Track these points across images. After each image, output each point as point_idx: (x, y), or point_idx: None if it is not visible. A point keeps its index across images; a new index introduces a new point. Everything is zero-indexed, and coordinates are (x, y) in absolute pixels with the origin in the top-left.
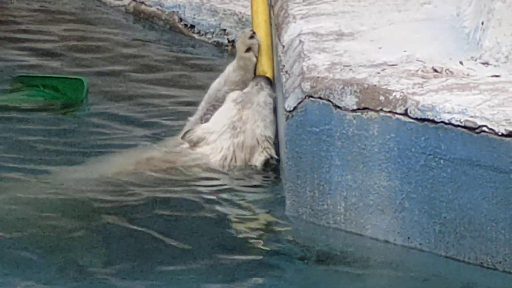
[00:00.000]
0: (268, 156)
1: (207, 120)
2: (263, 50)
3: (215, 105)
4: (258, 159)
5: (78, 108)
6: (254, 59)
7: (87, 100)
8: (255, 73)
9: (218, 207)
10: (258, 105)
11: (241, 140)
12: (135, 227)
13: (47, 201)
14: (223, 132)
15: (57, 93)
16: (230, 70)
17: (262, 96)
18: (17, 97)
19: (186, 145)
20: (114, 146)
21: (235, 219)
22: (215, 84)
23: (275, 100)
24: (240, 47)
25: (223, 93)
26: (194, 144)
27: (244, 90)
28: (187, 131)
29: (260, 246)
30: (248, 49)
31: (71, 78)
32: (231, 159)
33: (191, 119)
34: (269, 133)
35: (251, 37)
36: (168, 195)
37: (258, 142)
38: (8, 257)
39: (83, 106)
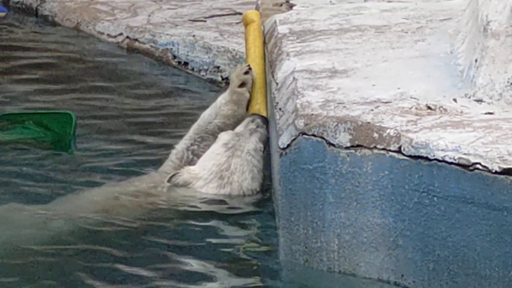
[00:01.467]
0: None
1: (194, 154)
2: (258, 87)
3: (203, 137)
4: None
5: (67, 142)
6: (247, 95)
7: (75, 135)
8: (247, 109)
9: (207, 246)
10: (248, 153)
11: (227, 191)
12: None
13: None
14: (210, 180)
15: (45, 129)
16: (222, 102)
17: (253, 141)
18: (4, 135)
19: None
20: (104, 180)
21: (226, 259)
22: (206, 116)
23: (268, 140)
24: (234, 80)
25: (214, 126)
26: (180, 187)
27: (237, 130)
28: (173, 175)
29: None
30: (242, 84)
31: (58, 113)
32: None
33: (177, 147)
34: (256, 185)
35: (246, 72)
36: (154, 234)
37: (244, 195)
38: None
39: (72, 140)
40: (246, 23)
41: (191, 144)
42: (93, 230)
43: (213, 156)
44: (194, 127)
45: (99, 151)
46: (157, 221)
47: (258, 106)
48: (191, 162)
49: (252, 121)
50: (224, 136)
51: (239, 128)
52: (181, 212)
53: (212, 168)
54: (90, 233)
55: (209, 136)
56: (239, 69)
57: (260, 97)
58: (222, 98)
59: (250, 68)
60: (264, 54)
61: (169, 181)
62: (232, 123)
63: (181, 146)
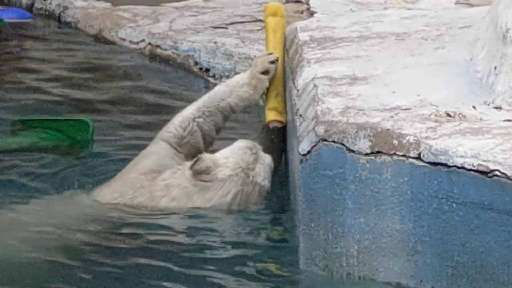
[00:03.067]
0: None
1: (198, 126)
2: (277, 79)
3: (212, 112)
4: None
5: (84, 150)
6: (267, 83)
7: (93, 142)
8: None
9: (224, 250)
10: (267, 165)
11: (249, 190)
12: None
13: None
14: (237, 174)
15: (62, 135)
16: (240, 83)
17: (269, 158)
18: (22, 140)
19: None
20: None
21: (245, 264)
22: (220, 92)
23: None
24: (258, 65)
25: (226, 104)
26: (199, 173)
27: (255, 143)
28: (197, 160)
29: None
30: (265, 72)
31: (76, 120)
32: (234, 208)
33: (183, 115)
34: (263, 200)
35: (272, 62)
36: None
37: (261, 201)
38: None
39: (89, 148)
40: (269, 15)
41: (199, 116)
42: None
43: (240, 153)
44: (204, 99)
45: (115, 159)
46: (167, 225)
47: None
48: (194, 134)
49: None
50: (246, 143)
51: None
52: (196, 214)
53: (239, 162)
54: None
55: (218, 113)
56: (266, 57)
57: (279, 88)
58: (240, 79)
59: (277, 59)
60: (284, 45)
61: (192, 166)
62: (243, 106)
63: (187, 114)
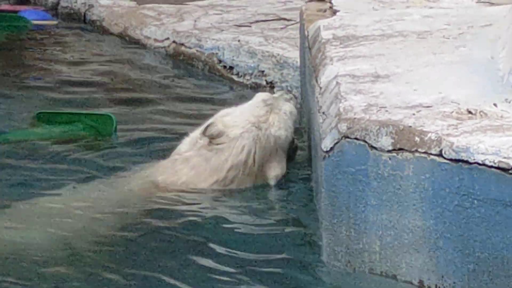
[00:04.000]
0: (283, 173)
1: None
2: None
3: None
4: (274, 171)
5: (107, 144)
6: None
7: (116, 137)
8: None
9: (245, 246)
10: (285, 114)
11: (263, 143)
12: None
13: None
14: (247, 130)
15: (86, 129)
16: None
17: (289, 105)
18: (44, 132)
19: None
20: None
21: (267, 257)
22: None
23: (299, 111)
24: None
25: None
26: (214, 138)
27: (273, 95)
28: (209, 125)
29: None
30: None
31: (99, 114)
32: (252, 163)
33: (191, 135)
34: (287, 145)
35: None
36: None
37: (276, 152)
38: None
39: (112, 142)
40: None
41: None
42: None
43: (251, 109)
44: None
45: (138, 156)
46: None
47: None
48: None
49: (287, 92)
50: (262, 94)
51: (275, 95)
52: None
53: (250, 118)
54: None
55: None
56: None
57: None
58: None
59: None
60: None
61: (204, 132)
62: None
63: (195, 134)
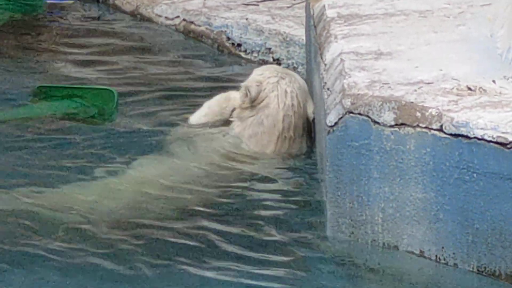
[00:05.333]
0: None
1: None
2: None
3: None
4: (311, 107)
5: (109, 118)
6: None
7: (117, 112)
8: None
9: (254, 211)
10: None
11: (298, 82)
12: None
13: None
14: (281, 76)
15: (87, 103)
16: None
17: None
18: (45, 107)
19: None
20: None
21: (274, 227)
22: None
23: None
24: None
25: None
26: (255, 99)
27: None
28: (246, 90)
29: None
30: None
31: (100, 89)
32: (298, 104)
33: None
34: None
35: None
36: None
37: (305, 89)
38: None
39: (113, 117)
40: None
41: None
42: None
43: (270, 66)
44: None
45: (141, 130)
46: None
47: None
48: None
49: None
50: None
51: None
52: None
53: (276, 69)
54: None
55: None
56: None
57: None
58: None
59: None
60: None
61: (245, 98)
62: None
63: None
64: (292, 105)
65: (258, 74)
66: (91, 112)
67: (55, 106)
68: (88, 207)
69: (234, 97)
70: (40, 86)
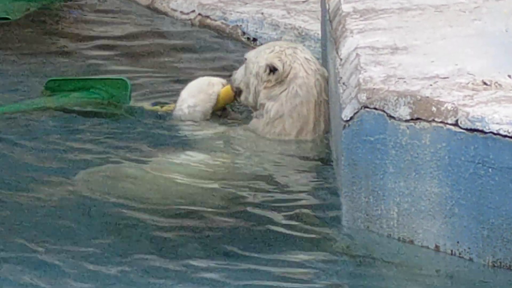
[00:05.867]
0: None
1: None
2: None
3: None
4: None
5: (122, 109)
6: None
7: (130, 101)
8: None
9: (267, 209)
10: None
11: (308, 50)
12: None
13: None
14: (294, 48)
15: (100, 94)
16: None
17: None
18: (57, 99)
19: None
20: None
21: (289, 221)
22: None
23: None
24: None
25: None
26: (287, 75)
27: None
28: (271, 70)
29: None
30: None
31: (113, 79)
32: (320, 68)
33: None
34: None
35: None
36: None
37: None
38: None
39: (128, 107)
40: None
41: None
42: None
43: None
44: None
45: (154, 123)
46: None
47: None
48: None
49: None
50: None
51: None
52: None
53: (282, 42)
54: None
55: None
56: None
57: None
58: None
59: None
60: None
61: (270, 76)
62: None
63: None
64: (317, 69)
65: (269, 51)
66: (105, 102)
67: (68, 97)
68: (143, 197)
69: (216, 82)
70: (51, 80)
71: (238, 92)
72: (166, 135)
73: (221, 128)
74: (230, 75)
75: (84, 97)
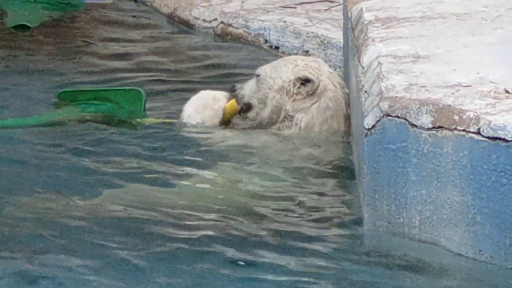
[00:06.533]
0: None
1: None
2: None
3: None
4: None
5: (137, 120)
6: None
7: (145, 111)
8: None
9: (289, 212)
10: None
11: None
12: None
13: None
14: (315, 62)
15: (115, 105)
16: None
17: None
18: (75, 111)
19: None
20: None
21: (311, 227)
22: None
23: None
24: None
25: None
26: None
27: None
28: (305, 82)
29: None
30: None
31: (127, 89)
32: (343, 81)
33: None
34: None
35: None
36: None
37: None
38: None
39: (142, 118)
40: None
41: None
42: None
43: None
44: None
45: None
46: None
47: None
48: None
49: None
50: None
51: None
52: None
53: (302, 57)
54: None
55: None
56: None
57: None
58: None
59: None
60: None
61: (302, 87)
62: None
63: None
64: (341, 82)
65: (293, 66)
66: (119, 113)
67: (81, 109)
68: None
69: (221, 96)
70: (64, 92)
71: (246, 108)
72: (184, 146)
73: (241, 135)
74: (233, 89)
75: (94, 110)
